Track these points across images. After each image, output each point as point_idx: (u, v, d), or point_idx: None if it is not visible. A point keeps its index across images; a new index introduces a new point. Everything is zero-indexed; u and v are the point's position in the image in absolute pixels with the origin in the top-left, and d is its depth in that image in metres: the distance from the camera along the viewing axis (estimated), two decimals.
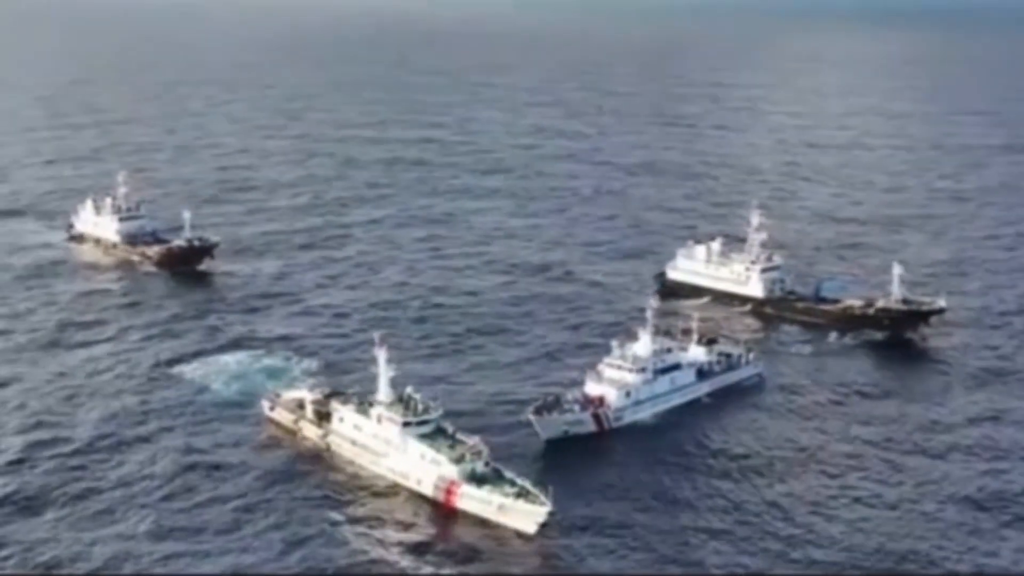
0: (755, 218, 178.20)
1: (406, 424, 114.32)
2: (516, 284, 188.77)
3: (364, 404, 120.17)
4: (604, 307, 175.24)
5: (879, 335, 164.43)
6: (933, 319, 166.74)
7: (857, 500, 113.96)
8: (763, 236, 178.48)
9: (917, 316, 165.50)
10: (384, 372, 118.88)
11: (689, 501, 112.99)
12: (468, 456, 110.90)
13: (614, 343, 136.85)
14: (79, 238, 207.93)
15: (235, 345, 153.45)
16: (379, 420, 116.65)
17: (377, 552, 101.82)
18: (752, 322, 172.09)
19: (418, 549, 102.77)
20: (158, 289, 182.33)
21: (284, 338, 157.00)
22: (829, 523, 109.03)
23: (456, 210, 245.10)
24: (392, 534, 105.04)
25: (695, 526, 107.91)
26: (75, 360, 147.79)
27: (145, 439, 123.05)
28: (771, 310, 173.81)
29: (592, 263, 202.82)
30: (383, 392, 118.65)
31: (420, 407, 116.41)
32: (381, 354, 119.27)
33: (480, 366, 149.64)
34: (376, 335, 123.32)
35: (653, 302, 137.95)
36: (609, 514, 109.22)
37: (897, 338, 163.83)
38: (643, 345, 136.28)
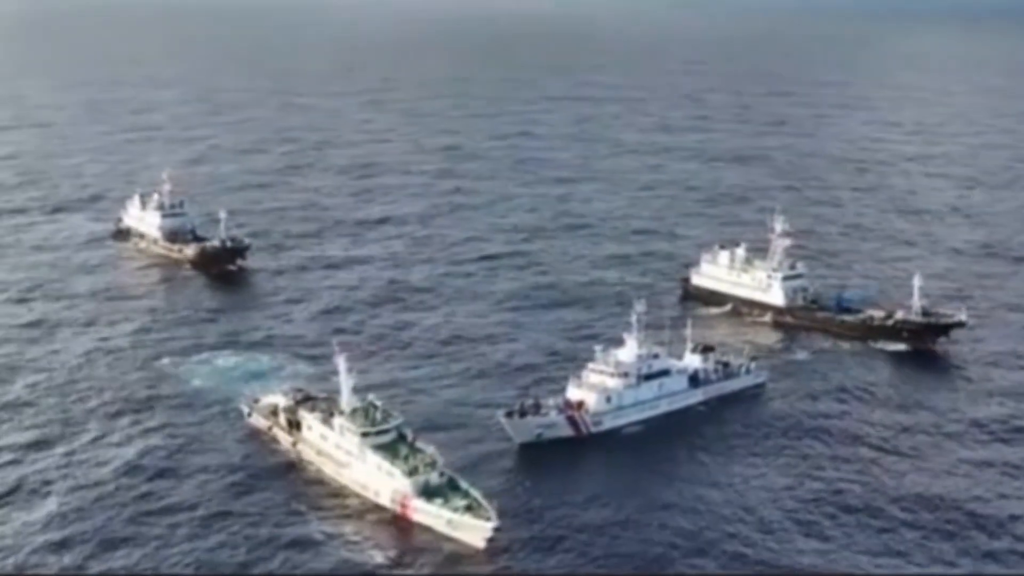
0: (778, 224, 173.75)
1: (364, 434, 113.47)
2: (560, 288, 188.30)
3: (328, 413, 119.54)
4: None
5: (898, 347, 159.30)
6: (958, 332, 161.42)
7: (836, 518, 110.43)
8: (786, 242, 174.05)
9: (937, 329, 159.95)
10: (345, 381, 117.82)
11: (658, 508, 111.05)
12: (422, 468, 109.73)
13: (597, 347, 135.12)
14: (125, 233, 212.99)
15: (236, 346, 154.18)
16: (341, 430, 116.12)
17: (336, 562, 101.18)
18: (769, 331, 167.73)
19: (376, 560, 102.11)
20: (183, 287, 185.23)
21: (289, 341, 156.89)
22: (802, 537, 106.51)
23: (493, 210, 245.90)
24: (352, 545, 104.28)
25: (658, 534, 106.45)
26: (73, 356, 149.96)
27: (123, 440, 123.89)
28: (791, 319, 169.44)
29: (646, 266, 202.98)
30: (345, 401, 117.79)
31: (379, 416, 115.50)
32: (341, 362, 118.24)
33: (492, 368, 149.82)
34: (335, 342, 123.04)
35: (639, 306, 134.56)
36: (568, 519, 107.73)
37: (916, 351, 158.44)
38: (628, 350, 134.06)
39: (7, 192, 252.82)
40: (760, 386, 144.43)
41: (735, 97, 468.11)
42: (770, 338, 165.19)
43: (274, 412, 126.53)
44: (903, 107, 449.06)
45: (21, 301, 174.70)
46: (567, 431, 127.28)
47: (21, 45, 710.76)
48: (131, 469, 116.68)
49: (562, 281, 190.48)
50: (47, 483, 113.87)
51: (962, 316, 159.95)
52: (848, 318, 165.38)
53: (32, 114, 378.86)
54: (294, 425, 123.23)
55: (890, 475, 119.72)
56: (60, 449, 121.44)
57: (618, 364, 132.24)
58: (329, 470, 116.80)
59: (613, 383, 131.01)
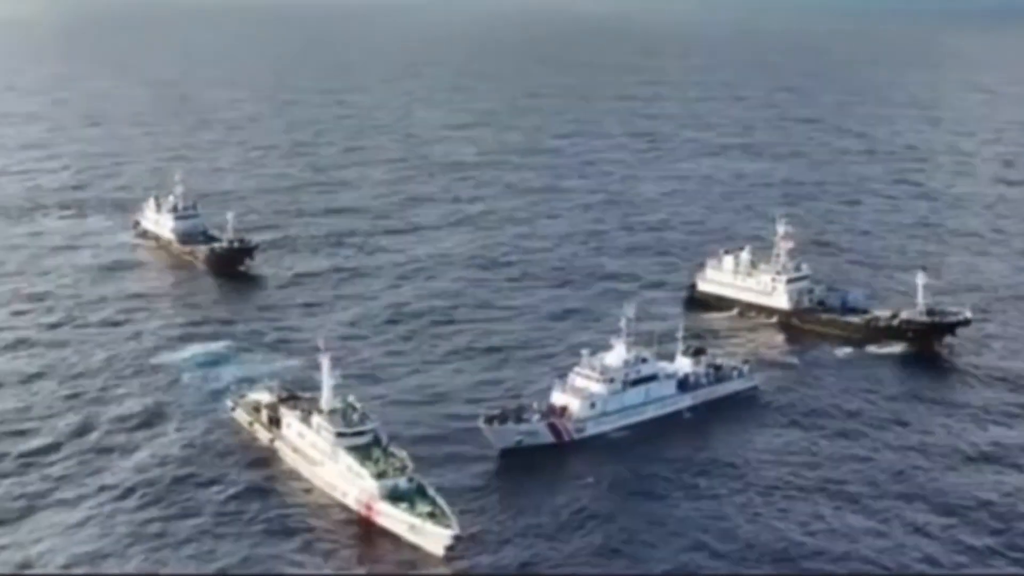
0: (781, 227, 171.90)
1: (339, 435, 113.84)
2: (574, 287, 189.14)
3: (308, 412, 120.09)
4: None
5: (902, 347, 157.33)
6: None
7: (835, 520, 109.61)
8: (790, 245, 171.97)
9: (942, 328, 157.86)
10: (327, 379, 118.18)
11: (636, 518, 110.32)
12: (391, 472, 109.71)
13: (584, 351, 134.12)
14: (143, 235, 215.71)
15: (239, 346, 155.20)
16: (318, 429, 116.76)
17: (304, 564, 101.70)
18: (773, 334, 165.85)
19: (343, 563, 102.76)
20: (194, 289, 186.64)
21: (293, 342, 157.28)
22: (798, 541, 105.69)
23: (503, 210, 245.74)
24: (319, 546, 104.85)
25: (646, 539, 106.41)
26: (76, 357, 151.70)
27: (123, 444, 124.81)
28: (797, 322, 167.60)
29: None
30: (325, 400, 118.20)
31: (356, 418, 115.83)
32: (324, 360, 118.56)
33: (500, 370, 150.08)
34: (320, 341, 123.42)
35: (629, 311, 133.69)
36: (536, 532, 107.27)
37: (921, 351, 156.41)
38: (615, 355, 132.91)
39: (41, 192, 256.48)
40: (753, 390, 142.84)
41: (787, 95, 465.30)
42: (772, 341, 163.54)
43: (257, 408, 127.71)
44: (952, 107, 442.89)
45: (37, 300, 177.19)
46: (548, 438, 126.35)
47: (74, 45, 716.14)
48: (124, 477, 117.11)
49: (586, 287, 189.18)
50: (44, 490, 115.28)
51: (967, 314, 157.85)
52: (853, 319, 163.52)
53: (80, 113, 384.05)
54: (274, 422, 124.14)
55: (890, 476, 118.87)
56: (56, 455, 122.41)
57: (604, 369, 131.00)
58: (303, 469, 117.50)
59: (598, 388, 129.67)
